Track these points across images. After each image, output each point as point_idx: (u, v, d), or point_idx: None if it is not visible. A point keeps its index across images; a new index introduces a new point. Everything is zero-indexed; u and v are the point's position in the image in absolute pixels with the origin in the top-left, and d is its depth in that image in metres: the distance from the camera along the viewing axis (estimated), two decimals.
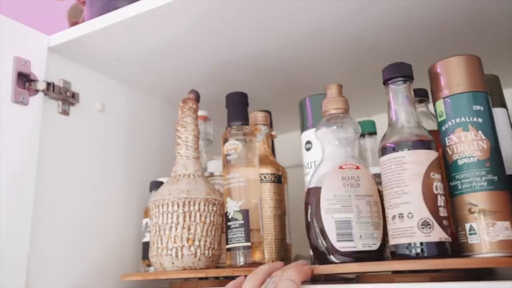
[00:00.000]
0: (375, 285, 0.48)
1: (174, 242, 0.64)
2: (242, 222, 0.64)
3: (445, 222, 0.51)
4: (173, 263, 0.64)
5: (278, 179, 0.73)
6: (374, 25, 0.70)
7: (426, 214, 0.50)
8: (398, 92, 0.56)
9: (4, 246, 0.63)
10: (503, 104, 0.64)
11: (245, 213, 0.64)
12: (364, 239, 0.54)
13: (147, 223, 0.82)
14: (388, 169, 0.54)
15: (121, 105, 0.87)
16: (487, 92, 0.54)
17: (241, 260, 0.63)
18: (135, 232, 0.84)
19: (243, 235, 0.64)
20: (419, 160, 0.52)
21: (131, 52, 0.78)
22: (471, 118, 0.53)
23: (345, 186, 0.55)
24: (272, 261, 0.70)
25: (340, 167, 0.56)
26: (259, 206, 0.66)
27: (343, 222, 0.55)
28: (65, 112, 0.76)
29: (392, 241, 0.52)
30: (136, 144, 0.88)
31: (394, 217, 0.52)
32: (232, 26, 0.71)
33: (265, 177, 0.72)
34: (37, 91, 0.72)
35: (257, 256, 0.64)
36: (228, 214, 0.65)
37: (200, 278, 0.67)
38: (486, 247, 0.49)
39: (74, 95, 0.77)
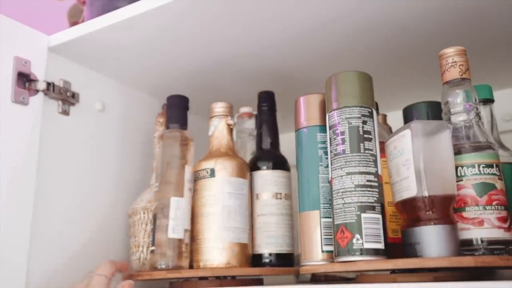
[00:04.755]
0: (375, 285, 0.48)
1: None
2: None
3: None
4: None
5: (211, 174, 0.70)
6: (369, 23, 0.70)
7: None
8: None
9: (4, 246, 0.63)
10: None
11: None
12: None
13: None
14: None
15: (121, 105, 0.87)
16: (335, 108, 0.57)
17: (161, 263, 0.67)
18: None
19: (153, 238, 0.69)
20: None
21: (131, 52, 0.78)
22: None
23: None
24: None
25: None
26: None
27: None
28: (65, 112, 0.76)
29: None
30: (136, 144, 0.88)
31: None
32: (232, 25, 0.71)
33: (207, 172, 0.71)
34: (37, 91, 0.71)
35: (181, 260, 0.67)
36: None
37: (200, 278, 0.67)
38: None
39: (74, 95, 0.77)
